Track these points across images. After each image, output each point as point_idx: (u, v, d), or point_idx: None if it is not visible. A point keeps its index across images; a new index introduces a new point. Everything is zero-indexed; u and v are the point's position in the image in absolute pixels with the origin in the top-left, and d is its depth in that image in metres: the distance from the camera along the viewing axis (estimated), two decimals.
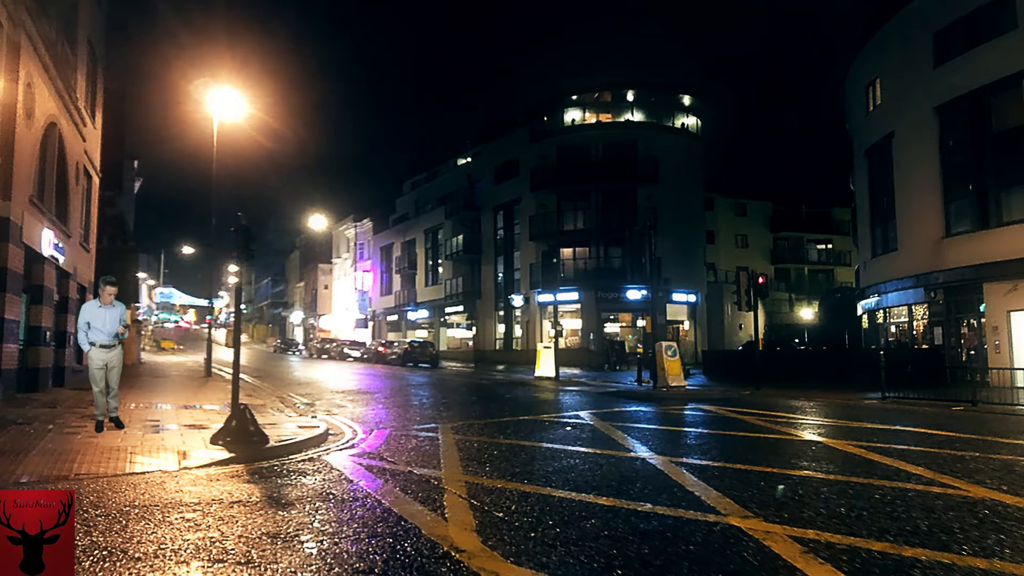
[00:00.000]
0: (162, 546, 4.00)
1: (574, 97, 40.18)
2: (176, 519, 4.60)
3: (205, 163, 18.84)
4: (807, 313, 48.55)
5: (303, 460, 7.06)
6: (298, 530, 4.41)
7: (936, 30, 21.20)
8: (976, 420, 11.45)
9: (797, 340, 40.30)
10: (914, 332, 23.69)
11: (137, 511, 4.77)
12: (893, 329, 25.29)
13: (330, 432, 8.99)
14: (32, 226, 12.86)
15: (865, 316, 27.35)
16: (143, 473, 6.06)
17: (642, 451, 7.85)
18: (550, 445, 8.23)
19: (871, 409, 13.24)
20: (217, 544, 4.06)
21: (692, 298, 38.16)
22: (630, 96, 39.33)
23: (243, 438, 7.39)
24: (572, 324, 37.64)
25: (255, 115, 17.48)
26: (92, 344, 8.20)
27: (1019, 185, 18.91)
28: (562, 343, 30.97)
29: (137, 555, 3.82)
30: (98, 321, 8.21)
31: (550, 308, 33.15)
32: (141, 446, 7.32)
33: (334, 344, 45.47)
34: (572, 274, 36.34)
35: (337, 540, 4.22)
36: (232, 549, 3.97)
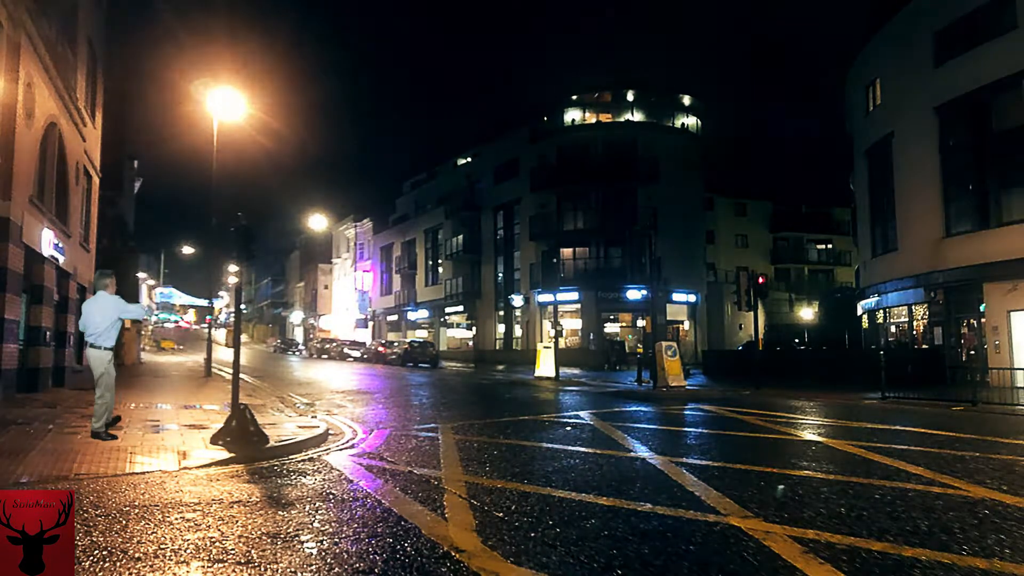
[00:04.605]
0: (162, 546, 3.99)
1: (574, 97, 40.18)
2: (176, 519, 4.60)
3: (205, 163, 18.87)
4: (807, 313, 48.55)
5: (303, 460, 7.06)
6: (298, 530, 4.41)
7: (936, 30, 21.20)
8: (976, 420, 11.45)
9: (797, 340, 40.31)
10: (914, 332, 23.69)
11: (137, 511, 4.77)
12: (893, 329, 25.29)
13: (330, 432, 8.99)
14: (32, 226, 12.86)
15: (865, 316, 27.35)
16: (143, 473, 6.06)
17: (642, 451, 7.85)
18: (550, 445, 8.23)
19: (871, 409, 13.24)
20: (217, 544, 4.06)
21: (692, 298, 38.17)
22: (630, 96, 39.34)
23: (243, 438, 7.38)
24: (572, 324, 37.65)
25: (255, 115, 17.51)
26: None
27: (1019, 185, 18.91)
28: (562, 343, 30.98)
29: (137, 555, 3.82)
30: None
31: (550, 308, 33.15)
32: (141, 446, 7.32)
33: (334, 344, 45.47)
34: (572, 274, 36.34)
35: (337, 540, 4.22)
36: (232, 549, 3.97)
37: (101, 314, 7.60)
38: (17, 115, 11.58)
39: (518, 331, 41.38)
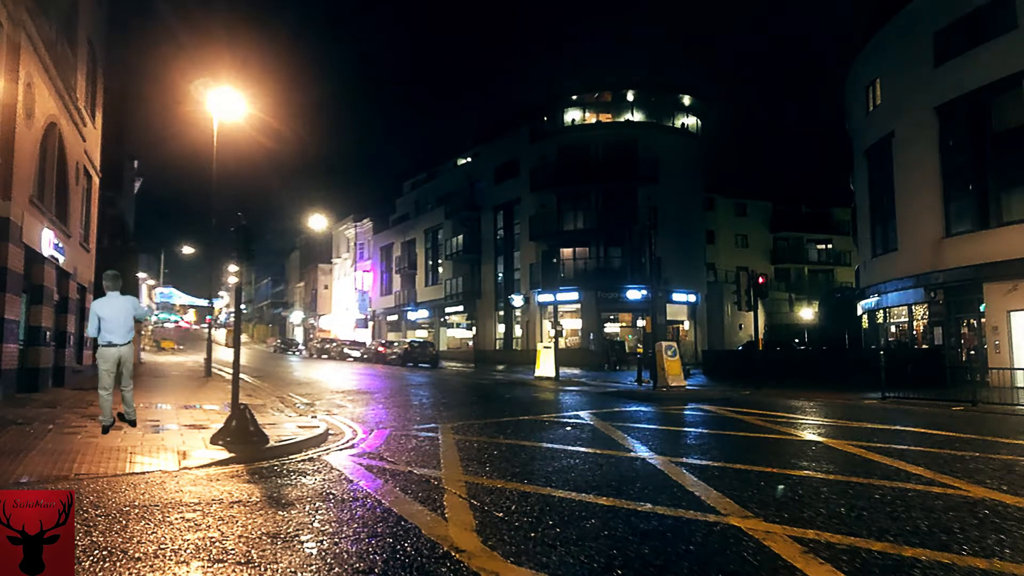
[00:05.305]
0: (162, 546, 4.00)
1: (574, 97, 40.16)
2: (176, 519, 4.60)
3: (205, 163, 18.87)
4: (807, 313, 48.55)
5: (303, 460, 7.06)
6: (298, 530, 4.41)
7: (936, 30, 21.18)
8: (976, 420, 11.46)
9: (797, 340, 40.30)
10: (914, 332, 23.68)
11: (137, 511, 4.77)
12: (893, 329, 25.29)
13: (330, 432, 8.99)
14: (32, 226, 12.86)
15: (865, 316, 27.34)
16: (143, 473, 6.06)
17: (642, 451, 7.85)
18: (550, 445, 8.23)
19: (871, 409, 13.24)
20: (217, 544, 4.06)
21: (692, 298, 38.16)
22: (630, 96, 39.33)
23: (243, 438, 7.39)
24: (572, 324, 37.64)
25: (255, 115, 17.50)
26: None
27: (1019, 185, 18.89)
28: (562, 343, 30.96)
29: (137, 555, 3.82)
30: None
31: (550, 308, 33.14)
32: (141, 446, 7.32)
33: (334, 344, 45.45)
34: (572, 274, 36.32)
35: (337, 540, 4.22)
36: (232, 549, 3.97)
37: (125, 313, 7.95)
38: (17, 115, 11.58)
39: (518, 331, 41.37)
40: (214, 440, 7.49)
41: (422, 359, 33.33)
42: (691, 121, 40.61)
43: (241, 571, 3.61)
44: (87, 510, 4.73)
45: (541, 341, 32.15)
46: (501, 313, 43.05)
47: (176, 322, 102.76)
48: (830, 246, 54.25)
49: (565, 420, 10.96)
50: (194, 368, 24.58)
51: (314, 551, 3.98)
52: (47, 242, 13.86)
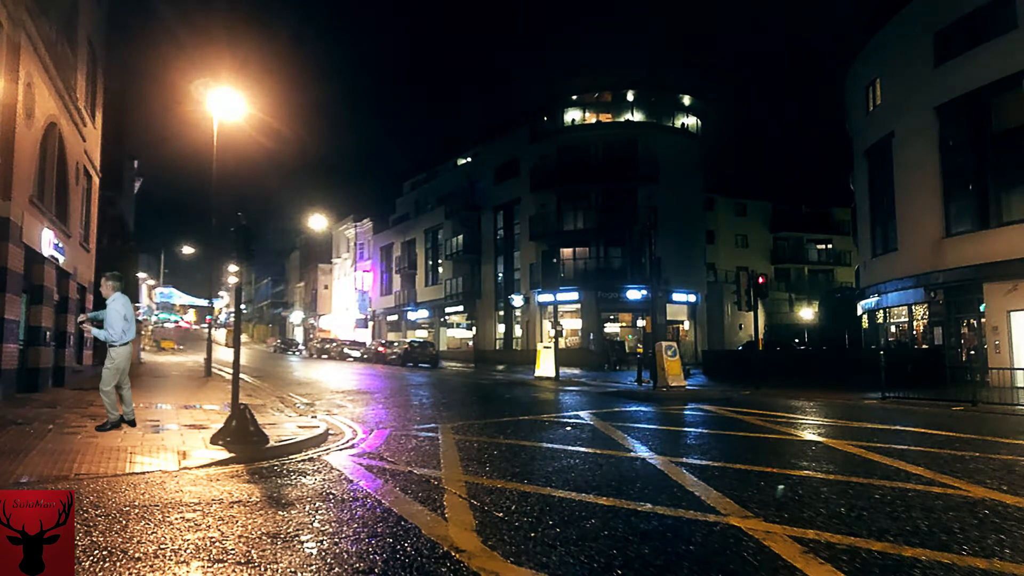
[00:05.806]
0: (162, 546, 4.00)
1: (574, 97, 40.16)
2: (176, 519, 4.60)
3: (205, 163, 18.89)
4: (807, 313, 48.56)
5: (303, 460, 7.06)
6: (298, 530, 4.41)
7: (936, 30, 21.19)
8: (976, 420, 11.46)
9: (797, 340, 40.31)
10: (914, 332, 23.69)
11: (137, 511, 4.77)
12: (893, 329, 25.29)
13: (330, 432, 8.99)
14: (32, 226, 12.86)
15: (865, 316, 27.35)
16: (143, 473, 6.06)
17: (642, 451, 7.85)
18: (550, 445, 8.23)
19: (871, 409, 13.24)
20: (217, 544, 4.06)
21: (692, 298, 38.17)
22: (630, 96, 39.33)
23: (243, 438, 7.39)
24: (572, 324, 37.65)
25: (255, 115, 17.52)
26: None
27: (1019, 185, 18.90)
28: (562, 343, 30.96)
29: (137, 555, 3.82)
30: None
31: (550, 308, 33.15)
32: (141, 446, 7.32)
33: (334, 344, 45.46)
34: (572, 274, 36.34)
35: (337, 540, 4.22)
36: (232, 549, 3.97)
37: (132, 311, 8.38)
38: (17, 115, 11.58)
39: (518, 331, 41.37)
40: (214, 440, 7.49)
41: (422, 359, 33.34)
42: (691, 121, 40.61)
43: (241, 571, 3.61)
44: (87, 510, 4.73)
45: (541, 341, 32.16)
46: (501, 313, 43.06)
47: (176, 322, 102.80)
48: (830, 246, 54.27)
49: (565, 420, 10.96)
50: (194, 368, 24.57)
51: (314, 551, 3.99)
52: (47, 242, 13.86)
